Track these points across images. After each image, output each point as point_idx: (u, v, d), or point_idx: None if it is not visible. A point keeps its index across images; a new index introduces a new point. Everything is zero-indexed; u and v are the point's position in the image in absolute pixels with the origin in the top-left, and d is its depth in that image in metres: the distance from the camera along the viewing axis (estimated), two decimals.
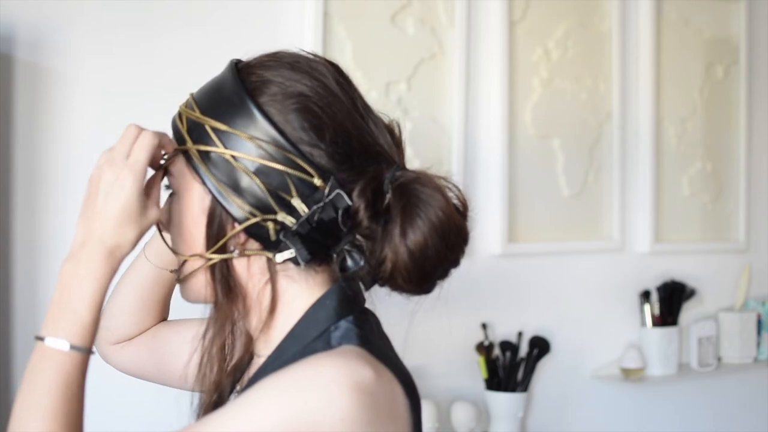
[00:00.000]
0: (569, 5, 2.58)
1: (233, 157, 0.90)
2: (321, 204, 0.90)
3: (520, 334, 2.42)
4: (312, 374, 0.81)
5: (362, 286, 0.97)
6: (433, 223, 0.90)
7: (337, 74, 0.98)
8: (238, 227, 0.91)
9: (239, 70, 0.95)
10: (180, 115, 0.96)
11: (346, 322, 0.92)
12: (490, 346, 2.37)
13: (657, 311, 2.74)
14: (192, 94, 0.97)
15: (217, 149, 0.91)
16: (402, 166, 0.95)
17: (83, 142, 1.83)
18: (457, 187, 0.94)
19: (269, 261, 0.93)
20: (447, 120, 2.32)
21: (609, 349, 2.68)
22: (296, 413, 0.79)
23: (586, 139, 2.62)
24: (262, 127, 0.91)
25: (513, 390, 2.35)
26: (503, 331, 2.42)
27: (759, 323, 2.98)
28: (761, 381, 3.00)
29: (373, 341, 0.92)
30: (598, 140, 2.65)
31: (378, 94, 2.21)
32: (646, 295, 2.72)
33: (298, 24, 2.09)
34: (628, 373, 2.64)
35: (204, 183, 0.92)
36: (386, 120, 1.00)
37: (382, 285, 0.94)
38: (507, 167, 2.41)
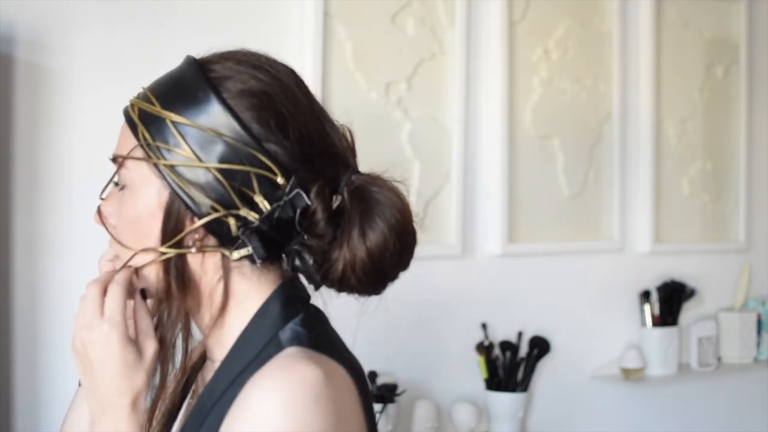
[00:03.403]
0: (569, 5, 2.58)
1: (194, 153, 0.90)
2: (282, 202, 0.91)
3: (520, 334, 2.42)
4: (269, 406, 0.82)
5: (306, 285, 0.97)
6: (391, 224, 0.92)
7: (295, 76, 0.97)
8: (198, 222, 0.90)
9: (200, 65, 0.94)
10: (133, 106, 0.94)
11: (293, 324, 0.92)
12: (490, 346, 2.37)
13: (657, 311, 2.74)
14: (146, 88, 0.96)
15: (182, 148, 0.90)
16: (356, 170, 0.96)
17: (83, 142, 1.83)
18: (407, 191, 0.96)
19: (224, 258, 0.92)
20: (447, 120, 2.32)
21: (609, 349, 2.68)
22: None
23: (586, 139, 2.62)
24: (226, 123, 0.90)
25: (513, 390, 2.35)
26: (503, 331, 2.42)
27: (759, 323, 2.98)
28: (761, 381, 3.00)
29: (320, 339, 0.92)
30: (598, 140, 2.65)
31: (378, 94, 2.21)
32: (646, 295, 2.72)
33: (298, 24, 2.09)
34: (628, 373, 2.64)
35: (164, 178, 0.91)
36: (338, 125, 1.00)
37: (330, 286, 0.95)
38: (507, 167, 2.41)
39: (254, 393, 0.84)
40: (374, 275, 0.93)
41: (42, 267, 1.80)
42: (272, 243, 0.92)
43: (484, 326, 2.38)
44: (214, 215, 0.90)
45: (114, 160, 0.95)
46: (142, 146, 0.92)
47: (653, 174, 2.74)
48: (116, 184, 0.97)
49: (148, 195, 0.92)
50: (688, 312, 2.86)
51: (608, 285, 2.69)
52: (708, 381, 2.86)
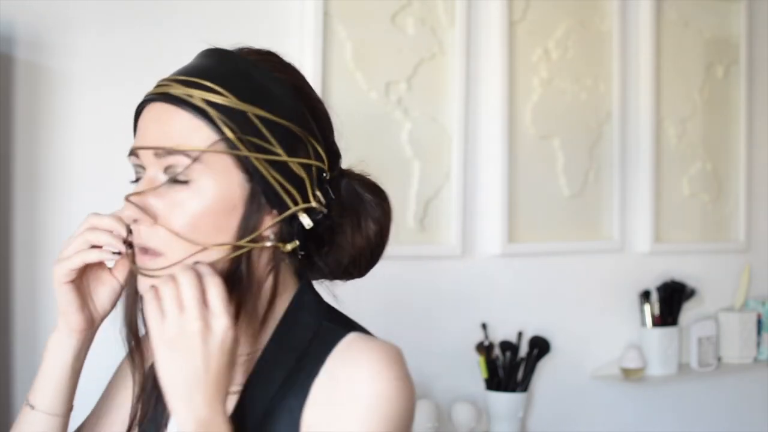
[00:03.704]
0: (569, 5, 2.58)
1: (282, 147, 0.92)
2: (332, 196, 0.96)
3: (520, 334, 2.42)
4: (383, 386, 0.88)
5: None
6: (388, 212, 1.01)
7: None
8: (281, 216, 0.92)
9: (255, 61, 0.96)
10: (193, 97, 0.91)
11: (333, 313, 0.98)
12: (490, 346, 2.37)
13: (657, 311, 2.74)
14: (198, 78, 0.92)
15: (270, 143, 0.91)
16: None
17: (83, 142, 1.83)
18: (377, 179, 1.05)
19: (276, 250, 0.94)
20: (447, 120, 2.32)
21: (609, 349, 2.68)
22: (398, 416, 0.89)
23: (586, 139, 2.62)
24: (301, 118, 0.94)
25: (513, 390, 2.35)
26: (503, 331, 2.42)
27: (759, 323, 2.98)
28: (761, 381, 3.00)
29: (359, 325, 0.99)
30: (598, 140, 2.65)
31: (378, 94, 2.21)
32: (646, 295, 2.73)
33: (298, 24, 2.09)
34: (628, 373, 2.64)
35: (251, 171, 0.91)
36: None
37: (335, 274, 1.01)
38: (507, 167, 2.41)
39: (360, 375, 0.88)
40: (373, 260, 1.02)
41: (42, 267, 1.79)
42: (307, 236, 0.96)
43: (484, 326, 2.38)
44: (294, 209, 0.92)
45: (161, 152, 0.91)
46: (227, 140, 0.90)
47: (653, 174, 2.75)
48: (171, 179, 0.91)
49: (231, 189, 0.91)
50: (688, 312, 2.86)
51: (608, 285, 2.69)
52: (708, 381, 2.85)
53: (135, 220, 0.91)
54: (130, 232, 0.94)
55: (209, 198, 0.90)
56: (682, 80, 2.87)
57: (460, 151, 2.32)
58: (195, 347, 0.86)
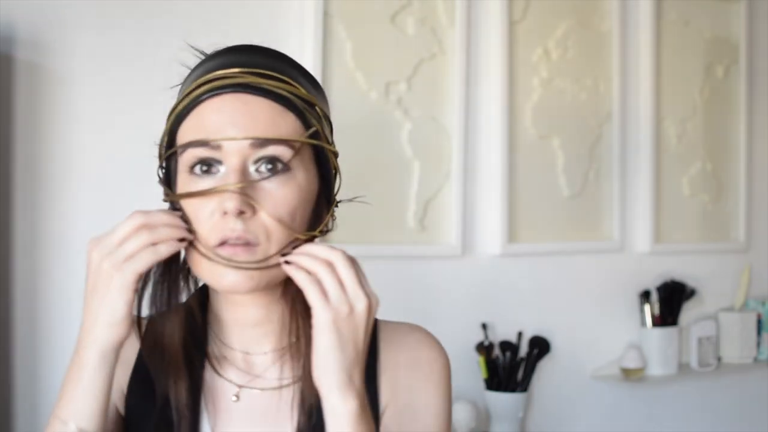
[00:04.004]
0: (569, 5, 2.58)
1: (332, 143, 0.98)
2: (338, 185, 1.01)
3: (520, 334, 2.42)
4: (443, 356, 1.07)
5: None
6: None
7: None
8: (337, 204, 0.98)
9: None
10: (283, 89, 0.92)
11: None
12: (490, 346, 2.37)
13: (657, 311, 2.74)
14: (279, 73, 0.93)
15: (332, 138, 0.98)
16: None
17: (83, 142, 1.83)
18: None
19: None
20: (447, 120, 2.32)
21: (609, 349, 2.68)
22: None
23: (586, 139, 2.62)
24: (330, 115, 1.01)
25: (513, 390, 2.35)
26: (503, 331, 2.42)
27: (759, 323, 2.98)
28: (761, 381, 3.00)
29: None
30: (598, 140, 2.65)
31: (378, 94, 2.21)
32: (646, 295, 2.72)
33: (298, 24, 2.09)
34: (628, 373, 2.64)
35: (330, 164, 0.96)
36: None
37: None
38: (507, 167, 2.41)
39: (425, 351, 1.04)
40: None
41: (42, 267, 1.80)
42: None
43: (484, 326, 2.38)
44: (341, 200, 0.99)
45: (257, 142, 0.90)
46: (316, 131, 0.94)
47: (653, 174, 2.74)
48: (272, 169, 0.91)
49: (314, 179, 0.95)
50: (688, 312, 2.86)
51: (608, 285, 2.69)
52: (708, 381, 2.85)
53: (241, 212, 0.88)
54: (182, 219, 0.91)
55: (303, 187, 0.92)
56: (682, 80, 2.87)
57: (460, 151, 2.32)
58: (360, 326, 0.88)
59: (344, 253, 0.89)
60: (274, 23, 2.07)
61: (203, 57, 1.00)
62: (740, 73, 3.02)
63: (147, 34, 1.90)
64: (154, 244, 0.87)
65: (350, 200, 1.02)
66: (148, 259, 0.87)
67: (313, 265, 0.88)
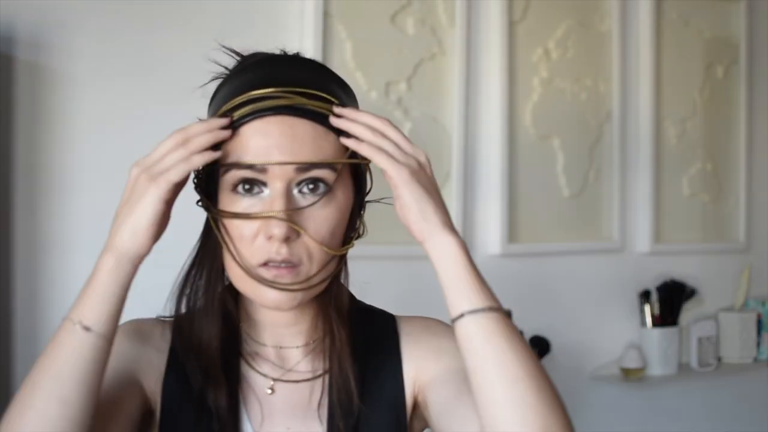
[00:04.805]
0: (569, 5, 2.58)
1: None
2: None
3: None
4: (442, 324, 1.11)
5: None
6: None
7: None
8: (361, 217, 1.01)
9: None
10: (319, 107, 0.93)
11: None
12: None
13: (657, 311, 2.74)
14: (317, 91, 0.93)
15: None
16: None
17: (83, 142, 1.83)
18: None
19: None
20: (447, 120, 2.32)
21: (609, 349, 2.68)
22: None
23: (586, 139, 2.62)
24: None
25: None
26: None
27: (759, 323, 2.98)
28: (761, 381, 3.00)
29: None
30: (598, 140, 2.65)
31: (378, 94, 2.21)
32: (646, 295, 2.72)
33: (298, 24, 2.09)
34: (628, 373, 2.64)
35: (359, 179, 0.98)
36: None
37: None
38: (507, 167, 2.41)
39: (446, 340, 1.09)
40: None
41: (42, 267, 1.80)
42: None
43: None
44: (369, 200, 1.02)
45: (304, 166, 0.91)
46: (355, 151, 0.93)
47: (653, 174, 2.74)
48: (314, 189, 0.93)
49: (351, 195, 0.97)
50: (688, 312, 2.86)
51: (608, 285, 2.69)
52: (708, 381, 2.85)
53: (287, 238, 0.90)
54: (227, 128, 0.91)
55: (342, 206, 0.95)
56: (682, 80, 2.87)
57: (460, 151, 2.32)
58: (430, 174, 0.94)
59: (386, 119, 0.94)
60: (274, 23, 2.07)
61: (239, 59, 1.00)
62: (740, 73, 3.02)
63: (147, 34, 1.90)
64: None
65: (377, 201, 1.03)
66: (182, 168, 0.88)
67: (368, 135, 0.92)
